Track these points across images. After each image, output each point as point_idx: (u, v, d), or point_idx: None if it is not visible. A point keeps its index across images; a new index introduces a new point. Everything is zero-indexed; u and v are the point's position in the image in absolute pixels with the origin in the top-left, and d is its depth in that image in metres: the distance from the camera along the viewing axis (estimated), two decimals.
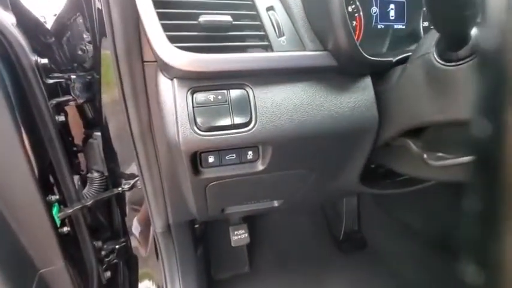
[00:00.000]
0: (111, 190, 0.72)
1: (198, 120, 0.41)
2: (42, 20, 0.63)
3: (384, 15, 0.61)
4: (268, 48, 0.44)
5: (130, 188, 0.71)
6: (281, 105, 0.43)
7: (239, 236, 0.78)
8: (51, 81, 0.60)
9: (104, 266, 0.77)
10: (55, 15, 0.64)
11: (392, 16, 0.62)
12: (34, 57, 0.56)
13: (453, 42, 0.36)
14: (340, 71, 0.46)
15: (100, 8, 0.54)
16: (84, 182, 0.73)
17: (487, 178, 0.22)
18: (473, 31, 0.35)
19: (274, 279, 1.02)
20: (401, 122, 0.47)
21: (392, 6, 0.62)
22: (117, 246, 0.80)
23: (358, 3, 0.58)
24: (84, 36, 0.62)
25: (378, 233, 1.12)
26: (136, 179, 0.71)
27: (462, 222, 0.24)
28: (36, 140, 0.58)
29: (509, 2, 0.19)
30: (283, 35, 0.44)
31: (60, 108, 0.64)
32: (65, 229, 0.65)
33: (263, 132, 0.42)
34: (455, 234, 0.82)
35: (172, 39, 0.40)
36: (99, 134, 0.72)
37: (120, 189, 0.72)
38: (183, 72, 0.40)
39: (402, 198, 0.96)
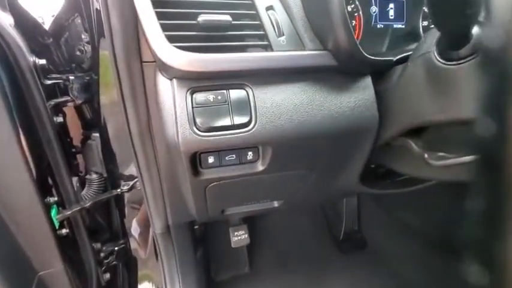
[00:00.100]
0: (110, 191, 0.72)
1: (198, 120, 0.41)
2: (40, 21, 0.63)
3: (383, 14, 0.61)
4: (268, 47, 0.44)
5: (130, 189, 0.71)
6: (281, 105, 0.43)
7: (239, 236, 0.77)
8: (49, 82, 0.60)
9: (103, 268, 0.77)
10: (53, 16, 0.64)
11: (391, 15, 0.62)
12: (32, 58, 0.56)
13: (454, 41, 0.36)
14: (340, 71, 0.46)
15: (98, 8, 0.54)
16: (82, 183, 0.73)
17: (491, 177, 0.22)
18: (475, 30, 0.34)
19: (275, 279, 1.02)
20: (402, 121, 0.47)
21: (391, 5, 0.61)
22: (116, 248, 0.80)
23: (357, 2, 0.58)
24: (83, 36, 0.61)
25: (378, 233, 1.12)
26: (136, 180, 0.71)
27: (466, 222, 0.23)
28: (34, 142, 0.58)
29: None
30: (283, 34, 0.44)
31: (58, 109, 0.64)
32: (64, 231, 0.64)
33: (263, 133, 0.42)
34: (455, 234, 0.82)
35: (171, 39, 0.40)
36: (97, 135, 0.71)
37: (119, 190, 0.72)
38: (183, 72, 0.40)
39: (402, 198, 0.96)
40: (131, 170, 0.72)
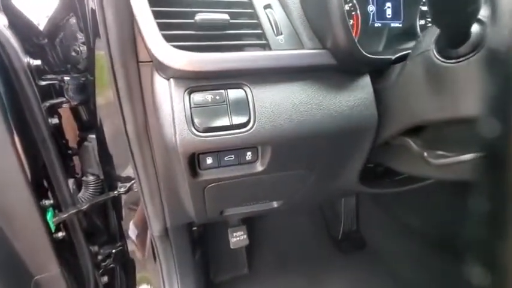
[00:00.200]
0: (107, 193, 0.71)
1: (196, 121, 0.40)
2: (35, 22, 0.62)
3: (380, 13, 0.61)
4: (266, 47, 0.43)
5: (127, 191, 0.70)
6: (280, 105, 0.43)
7: (238, 237, 0.77)
8: (44, 83, 0.59)
9: (101, 271, 0.76)
10: (47, 16, 0.63)
11: (389, 14, 0.62)
12: (26, 59, 0.55)
13: (454, 39, 0.36)
14: (338, 70, 0.46)
15: (93, 7, 0.53)
16: (79, 185, 0.72)
17: (495, 178, 0.22)
18: (474, 27, 0.34)
19: (274, 280, 1.01)
20: (401, 120, 0.47)
21: (389, 4, 0.62)
22: (113, 251, 0.79)
23: (355, 1, 0.58)
24: (78, 37, 0.61)
25: (376, 233, 1.12)
26: (133, 181, 0.70)
27: (468, 222, 0.23)
28: (29, 144, 0.57)
29: None
30: (281, 33, 0.44)
31: (53, 111, 0.63)
32: (60, 234, 0.63)
33: (262, 133, 0.42)
34: (454, 233, 0.82)
35: (168, 38, 0.39)
36: (94, 136, 0.70)
37: (116, 192, 0.71)
38: (180, 72, 0.39)
39: (400, 197, 0.96)
40: (128, 171, 0.72)
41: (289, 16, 0.45)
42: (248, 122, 0.41)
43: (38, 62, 0.57)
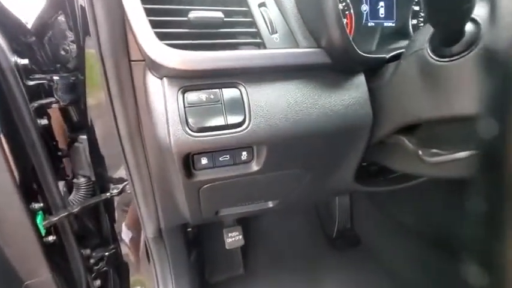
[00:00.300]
0: (99, 195, 0.70)
1: (190, 120, 0.39)
2: (23, 20, 0.60)
3: (374, 12, 0.61)
4: (261, 45, 0.43)
5: (120, 193, 0.69)
6: (275, 104, 0.42)
7: (233, 238, 0.76)
8: (32, 82, 0.58)
9: (93, 275, 0.74)
10: (36, 14, 0.61)
11: (382, 14, 0.62)
12: (14, 58, 0.53)
13: (447, 38, 0.36)
14: (333, 69, 0.46)
15: (83, 5, 0.52)
16: (69, 188, 0.70)
17: (492, 179, 0.22)
18: (468, 26, 0.35)
19: (269, 280, 1.01)
20: (395, 119, 0.47)
21: (382, 3, 0.62)
22: (106, 254, 0.77)
23: (348, 0, 0.58)
24: (67, 35, 0.59)
25: (371, 230, 1.13)
26: (126, 183, 0.69)
27: (465, 222, 0.23)
28: (17, 145, 0.55)
29: None
30: (276, 32, 0.44)
31: (42, 111, 0.61)
32: (51, 238, 0.62)
33: (257, 132, 0.41)
34: (448, 230, 0.83)
35: (161, 37, 0.38)
36: (84, 137, 0.69)
37: (108, 194, 0.69)
38: (174, 71, 0.38)
39: (395, 195, 0.97)
40: (121, 173, 0.70)
41: (283, 14, 0.45)
42: (243, 121, 0.41)
43: (25, 61, 0.55)
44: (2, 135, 0.51)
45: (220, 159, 0.43)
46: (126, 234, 0.75)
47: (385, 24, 0.62)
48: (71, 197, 0.69)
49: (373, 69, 0.49)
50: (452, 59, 0.36)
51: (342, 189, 0.68)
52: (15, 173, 0.54)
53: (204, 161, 0.43)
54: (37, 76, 0.59)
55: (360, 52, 0.43)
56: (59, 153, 0.69)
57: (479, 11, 0.34)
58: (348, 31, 0.57)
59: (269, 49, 0.43)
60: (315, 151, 0.49)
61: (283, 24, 0.44)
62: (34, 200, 0.59)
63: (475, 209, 0.22)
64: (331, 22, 0.40)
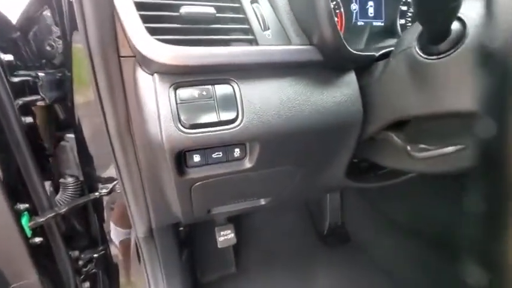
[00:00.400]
0: (87, 195, 0.68)
1: (182, 117, 0.39)
2: (7, 15, 0.58)
3: (363, 12, 0.62)
4: (253, 42, 0.43)
5: (109, 192, 0.68)
6: (268, 101, 0.42)
7: (225, 236, 0.76)
8: (16, 79, 0.56)
9: (82, 277, 0.73)
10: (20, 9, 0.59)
11: (371, 13, 0.63)
12: None
13: (435, 36, 0.37)
14: (325, 66, 0.46)
15: None
16: (56, 188, 0.68)
17: (491, 178, 0.22)
18: (454, 25, 0.36)
19: (262, 277, 1.01)
20: (385, 115, 0.48)
21: (371, 3, 0.63)
22: (95, 255, 0.76)
23: None
24: (53, 30, 0.57)
25: (361, 227, 1.15)
26: (115, 182, 0.68)
27: (463, 222, 0.24)
28: (1, 144, 0.54)
29: None
30: (268, 28, 0.44)
31: (27, 109, 0.59)
32: (37, 239, 0.60)
33: (250, 129, 0.41)
34: (437, 226, 0.85)
35: (152, 31, 0.38)
36: (72, 136, 0.67)
37: (97, 194, 0.68)
38: (165, 66, 0.38)
39: (384, 191, 0.99)
40: (109, 172, 0.69)
41: (276, 11, 0.45)
42: (236, 118, 0.41)
43: (10, 57, 0.54)
44: None
45: (213, 156, 0.43)
46: (114, 232, 0.73)
47: (374, 23, 0.63)
48: (58, 197, 0.67)
49: (363, 67, 0.50)
50: (439, 56, 0.37)
51: (334, 186, 0.69)
52: (0, 173, 0.52)
53: (196, 158, 0.43)
54: (22, 72, 0.57)
55: (350, 50, 0.44)
56: (45, 152, 0.67)
57: (465, 10, 0.35)
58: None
59: (261, 46, 0.43)
60: (307, 148, 0.50)
61: (275, 21, 0.44)
62: (19, 200, 0.57)
63: (474, 208, 0.22)
64: (323, 20, 0.41)
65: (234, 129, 0.41)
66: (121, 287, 0.79)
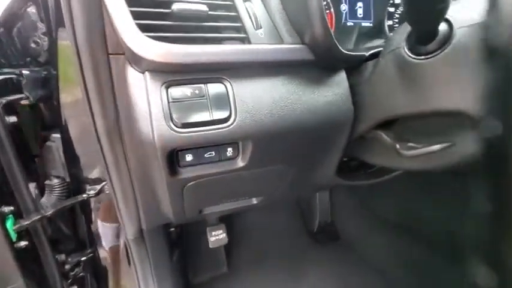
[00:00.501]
0: (74, 197, 0.66)
1: (175, 116, 0.39)
2: None
3: (352, 12, 0.63)
4: (246, 40, 0.43)
5: (97, 194, 0.66)
6: (261, 100, 0.42)
7: (217, 236, 0.75)
8: None
9: (69, 281, 0.71)
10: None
11: (360, 14, 0.64)
12: None
13: (423, 36, 0.38)
14: (317, 65, 0.47)
15: None
16: (42, 189, 0.66)
17: (498, 179, 0.22)
18: (441, 26, 0.37)
19: (253, 276, 1.02)
20: (374, 114, 0.49)
21: (360, 4, 0.64)
22: (83, 258, 0.74)
23: (328, 0, 0.59)
24: (39, 26, 0.55)
25: (350, 224, 1.17)
26: (104, 183, 0.66)
27: (468, 222, 0.24)
28: None
29: None
30: (261, 27, 0.44)
31: (11, 108, 0.57)
32: (22, 243, 0.58)
33: (243, 128, 0.41)
34: (423, 221, 0.87)
35: (143, 28, 0.37)
36: (57, 136, 0.65)
37: (85, 195, 0.66)
38: (156, 64, 0.37)
39: (372, 190, 1.01)
40: (96, 173, 0.68)
41: (268, 10, 0.45)
42: (229, 117, 0.41)
43: None
44: None
45: (205, 155, 0.43)
46: (103, 229, 0.71)
47: (363, 24, 0.65)
48: (44, 199, 0.65)
49: (353, 67, 0.50)
50: (427, 57, 0.38)
51: (325, 184, 0.70)
52: None
53: (188, 157, 0.42)
54: (5, 70, 0.55)
55: (342, 49, 0.44)
56: (30, 153, 0.65)
57: (452, 12, 0.36)
58: None
59: (254, 44, 0.43)
60: (299, 146, 0.50)
61: (267, 20, 0.45)
62: (4, 203, 0.55)
63: (479, 209, 0.23)
64: (315, 19, 0.41)
65: (227, 128, 0.40)
66: None
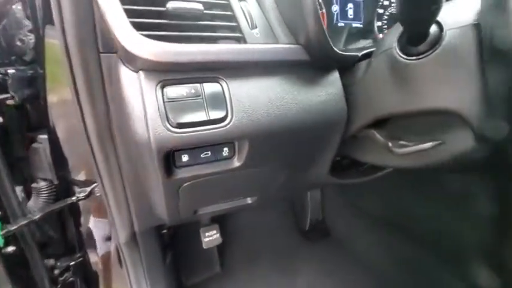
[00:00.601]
0: (63, 200, 0.64)
1: (170, 116, 0.38)
2: None
3: (343, 13, 0.64)
4: (241, 40, 0.43)
5: (87, 196, 0.64)
6: (257, 99, 0.42)
7: (210, 237, 0.75)
8: None
9: (59, 286, 0.69)
10: None
11: (350, 15, 0.65)
12: None
13: (414, 37, 0.39)
14: (311, 66, 0.47)
15: None
16: (29, 193, 0.64)
17: (503, 181, 0.23)
18: (432, 27, 0.38)
19: (246, 276, 1.02)
20: (367, 114, 0.50)
21: (350, 5, 0.65)
22: (72, 263, 0.72)
23: (320, 0, 0.60)
24: (25, 23, 0.53)
25: (341, 222, 1.19)
26: (94, 185, 0.65)
27: (470, 224, 0.24)
28: None
29: None
30: (256, 27, 0.44)
31: None
32: (10, 248, 0.56)
33: (239, 127, 0.41)
34: (412, 217, 0.90)
35: (138, 27, 0.36)
36: (45, 137, 0.63)
37: (74, 198, 0.64)
38: (151, 63, 0.37)
39: (362, 188, 1.03)
40: (85, 175, 0.66)
41: (263, 10, 0.45)
42: (225, 116, 0.40)
43: None
44: None
45: (201, 155, 0.42)
46: (95, 226, 0.69)
47: (354, 25, 0.66)
48: (31, 203, 0.63)
49: (346, 67, 0.51)
50: (418, 57, 0.39)
51: (318, 183, 0.71)
52: None
53: (185, 158, 0.42)
54: None
55: (336, 49, 0.45)
56: (16, 155, 0.62)
57: (442, 14, 0.37)
58: None
59: (249, 44, 0.43)
60: (294, 146, 0.50)
61: (263, 20, 0.45)
62: None
63: (486, 211, 0.23)
64: (309, 19, 0.41)
65: (224, 128, 0.40)
66: None
